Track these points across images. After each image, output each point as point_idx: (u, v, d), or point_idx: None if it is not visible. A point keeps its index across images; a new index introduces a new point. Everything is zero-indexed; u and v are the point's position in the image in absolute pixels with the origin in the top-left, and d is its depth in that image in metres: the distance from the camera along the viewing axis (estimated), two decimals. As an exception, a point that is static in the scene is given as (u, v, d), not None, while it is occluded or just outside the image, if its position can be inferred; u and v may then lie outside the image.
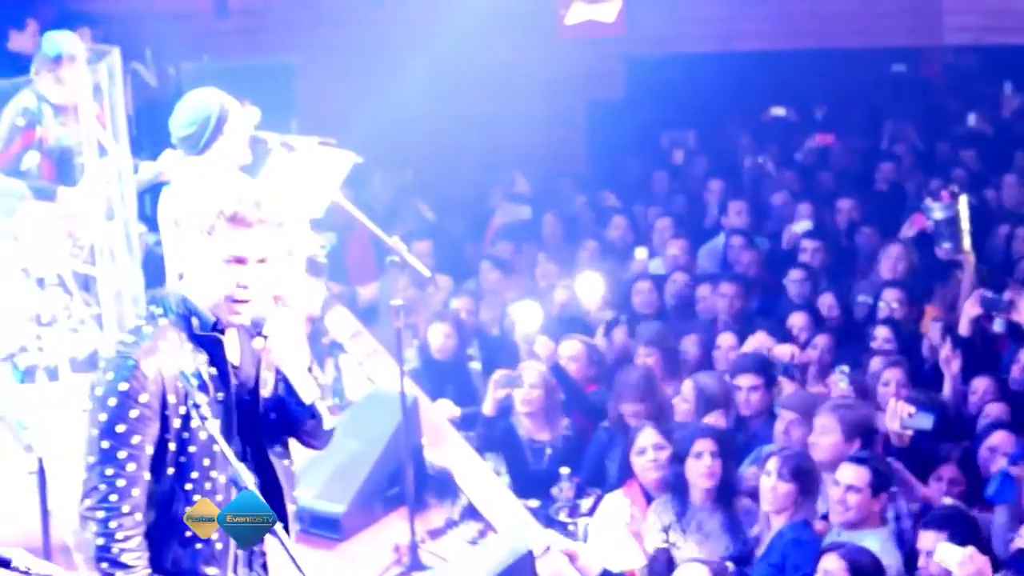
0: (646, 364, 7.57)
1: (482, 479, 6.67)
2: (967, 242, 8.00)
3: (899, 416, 6.13)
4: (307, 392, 3.86)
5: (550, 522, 6.43)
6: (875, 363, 7.23)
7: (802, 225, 9.77)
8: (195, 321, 3.75)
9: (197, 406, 3.58)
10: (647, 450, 6.28)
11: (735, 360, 7.34)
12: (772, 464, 5.69)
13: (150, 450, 3.66)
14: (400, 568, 5.84)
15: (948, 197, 7.99)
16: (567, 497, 6.62)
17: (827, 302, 8.37)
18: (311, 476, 5.72)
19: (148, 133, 8.99)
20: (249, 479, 3.58)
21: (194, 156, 5.82)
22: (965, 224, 7.99)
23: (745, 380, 7.01)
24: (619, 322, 8.18)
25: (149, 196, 7.66)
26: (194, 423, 3.70)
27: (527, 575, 4.83)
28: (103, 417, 3.65)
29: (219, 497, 3.76)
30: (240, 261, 3.70)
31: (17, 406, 5.66)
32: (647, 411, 6.98)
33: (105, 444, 3.64)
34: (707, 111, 13.63)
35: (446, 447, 6.89)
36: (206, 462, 3.76)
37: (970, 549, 4.97)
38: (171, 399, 3.68)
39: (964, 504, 5.92)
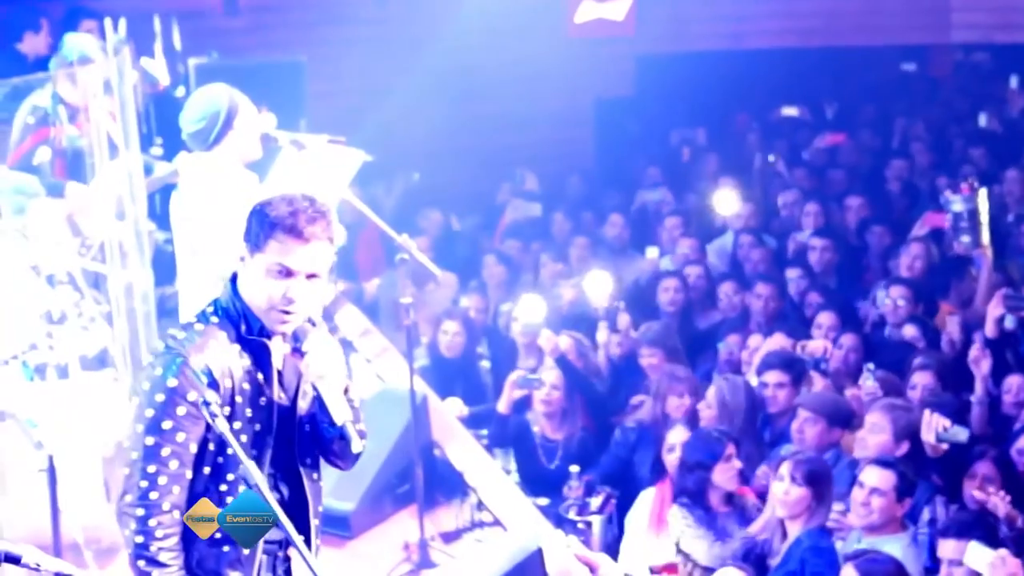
0: (646, 363, 7.57)
1: (492, 477, 6.68)
2: (986, 236, 7.98)
3: (934, 429, 6.04)
4: (339, 413, 3.80)
5: (560, 520, 6.44)
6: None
7: (806, 235, 9.74)
8: (243, 325, 3.74)
9: (207, 403, 3.54)
10: (676, 448, 6.29)
11: (762, 358, 7.32)
12: (785, 469, 5.63)
13: (194, 448, 3.65)
14: (409, 566, 5.85)
15: (968, 190, 7.96)
16: (576, 495, 6.63)
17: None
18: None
19: (158, 130, 9.00)
20: (259, 478, 3.53)
21: (204, 152, 5.83)
22: (984, 217, 7.97)
23: (772, 377, 6.99)
24: (619, 309, 8.14)
25: (159, 195, 7.68)
26: (236, 424, 3.68)
27: (536, 573, 4.82)
28: (149, 413, 3.63)
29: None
30: (289, 275, 3.68)
31: (27, 404, 5.65)
32: (692, 408, 6.99)
33: (150, 440, 3.62)
34: (716, 109, 13.63)
35: (456, 445, 6.89)
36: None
37: (1003, 551, 4.92)
38: (214, 398, 3.63)
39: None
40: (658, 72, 13.27)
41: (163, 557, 3.63)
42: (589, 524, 6.53)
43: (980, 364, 6.90)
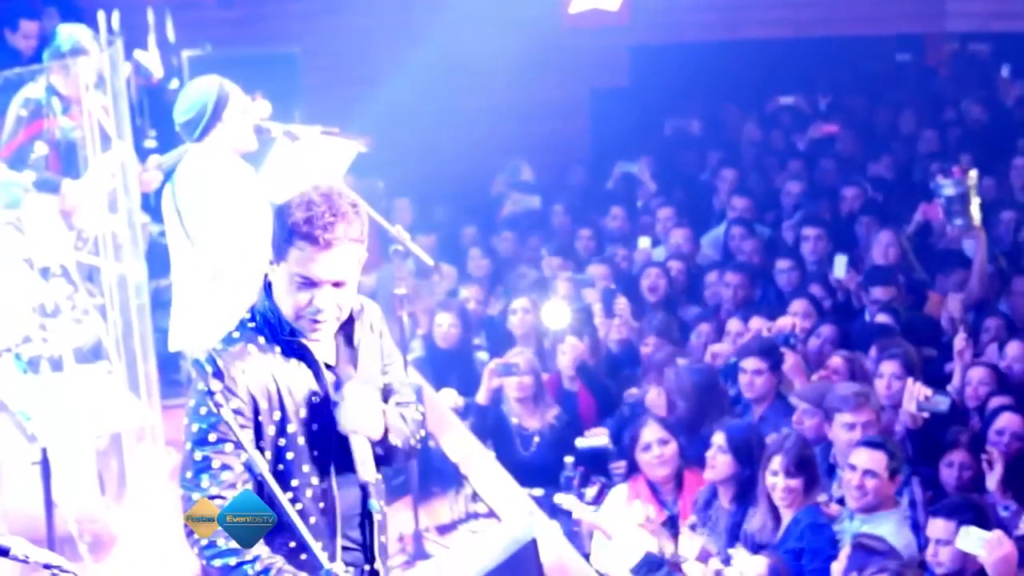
0: (649, 352, 7.60)
1: (486, 467, 6.68)
2: (978, 217, 8.01)
3: (915, 398, 6.12)
4: (364, 470, 3.62)
5: (554, 511, 6.44)
6: (873, 351, 7.21)
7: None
8: (279, 329, 3.60)
9: (211, 393, 3.44)
10: (652, 446, 6.27)
11: (740, 344, 7.36)
12: (777, 463, 5.68)
13: (245, 456, 3.48)
14: (404, 557, 5.86)
15: (959, 173, 7.99)
16: (572, 486, 6.63)
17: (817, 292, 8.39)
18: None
19: (152, 123, 9.00)
20: (263, 466, 3.42)
21: (195, 143, 5.83)
22: (976, 199, 7.99)
23: (750, 364, 7.01)
24: (615, 293, 8.13)
25: (152, 186, 7.67)
26: (290, 428, 3.58)
27: (531, 564, 4.81)
28: (195, 428, 3.51)
29: (321, 504, 3.64)
30: (313, 284, 3.51)
31: (21, 396, 5.65)
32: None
33: (198, 456, 3.49)
34: (710, 99, 13.62)
35: (450, 436, 6.90)
36: (305, 468, 3.62)
37: (997, 532, 4.94)
38: (263, 405, 3.56)
39: (973, 488, 5.92)
40: (652, 62, 13.27)
41: (233, 544, 3.44)
42: (584, 514, 6.52)
43: (963, 355, 6.95)
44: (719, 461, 5.95)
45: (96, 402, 5.72)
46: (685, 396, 6.85)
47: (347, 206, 3.53)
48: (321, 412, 3.64)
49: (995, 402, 6.57)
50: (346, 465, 3.66)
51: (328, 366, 3.68)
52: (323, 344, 3.67)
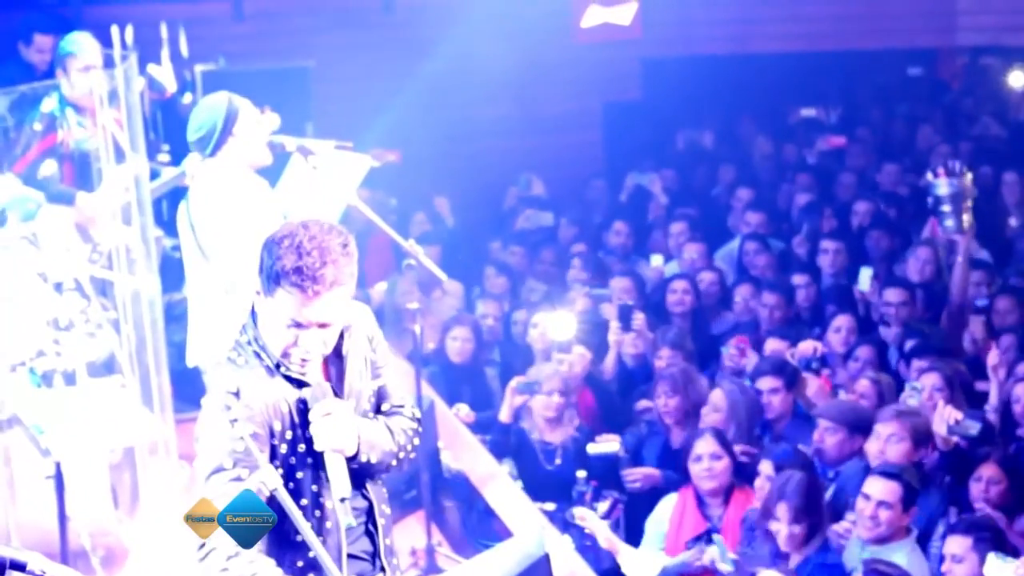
0: (663, 365, 7.59)
1: (498, 482, 6.68)
2: (967, 220, 7.92)
3: (945, 421, 6.05)
4: (337, 488, 3.61)
5: (566, 526, 6.44)
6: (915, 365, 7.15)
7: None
8: (267, 358, 3.62)
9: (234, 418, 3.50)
10: (703, 458, 6.29)
11: (755, 366, 7.34)
12: (782, 511, 5.64)
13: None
14: (417, 571, 5.86)
15: (950, 173, 7.88)
16: (584, 500, 6.63)
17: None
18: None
19: (165, 137, 9.01)
20: (276, 480, 3.41)
21: (208, 159, 5.85)
22: (969, 202, 7.92)
23: (766, 383, 7.03)
24: (632, 308, 8.11)
25: (167, 201, 7.70)
26: (300, 447, 3.60)
27: (543, 579, 4.81)
28: (211, 453, 3.52)
29: (328, 524, 3.67)
30: (300, 326, 3.53)
31: (34, 410, 5.67)
32: (681, 407, 7.04)
33: (216, 481, 3.48)
34: (723, 112, 13.62)
35: (462, 451, 6.90)
36: (314, 487, 3.65)
37: (1023, 560, 4.89)
38: (276, 426, 3.58)
39: (1003, 504, 5.85)
40: (665, 75, 13.27)
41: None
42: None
43: (997, 372, 6.88)
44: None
45: (109, 416, 5.73)
46: (745, 411, 6.87)
47: (338, 249, 3.50)
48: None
49: None
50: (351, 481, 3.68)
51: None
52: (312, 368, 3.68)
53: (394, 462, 3.86)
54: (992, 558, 4.90)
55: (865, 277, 8.49)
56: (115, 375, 6.22)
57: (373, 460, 3.75)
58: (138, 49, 6.95)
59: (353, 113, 10.83)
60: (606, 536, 6.05)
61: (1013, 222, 10.06)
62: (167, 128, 8.94)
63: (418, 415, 4.03)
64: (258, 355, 3.63)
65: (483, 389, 8.11)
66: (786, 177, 11.83)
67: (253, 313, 3.66)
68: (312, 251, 3.46)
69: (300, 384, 3.66)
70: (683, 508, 6.35)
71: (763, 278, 9.05)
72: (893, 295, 8.10)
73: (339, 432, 3.62)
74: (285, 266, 3.45)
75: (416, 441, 3.97)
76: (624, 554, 6.03)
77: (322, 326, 3.55)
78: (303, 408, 3.63)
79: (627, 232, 10.39)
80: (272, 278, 3.49)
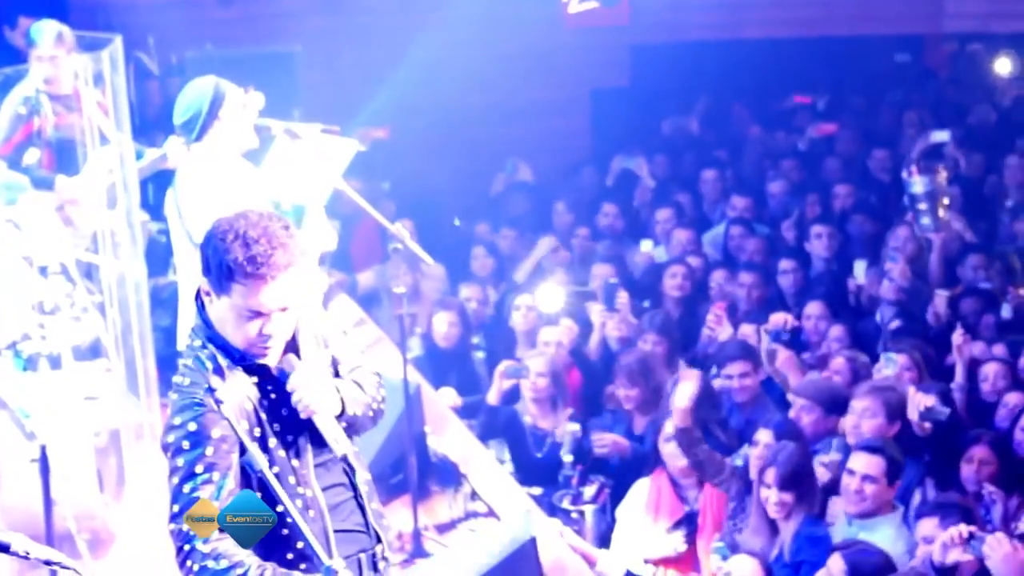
0: (649, 350, 7.58)
1: (485, 466, 6.68)
2: (944, 217, 7.93)
3: (917, 407, 6.09)
4: (338, 445, 3.67)
5: (553, 510, 6.45)
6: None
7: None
8: (225, 357, 3.62)
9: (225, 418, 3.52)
10: (672, 439, 6.29)
11: (721, 351, 7.34)
12: (770, 477, 5.66)
13: (232, 484, 3.49)
14: (403, 556, 5.85)
15: (917, 172, 7.89)
16: (570, 485, 6.63)
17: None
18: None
19: (152, 121, 8.99)
20: (264, 463, 3.46)
21: (194, 143, 5.83)
22: (945, 200, 7.92)
23: (735, 368, 7.04)
24: (616, 287, 8.11)
25: (152, 184, 7.67)
26: (271, 443, 3.62)
27: (529, 562, 4.82)
28: (180, 462, 3.50)
29: (311, 512, 3.67)
30: (260, 315, 3.55)
31: (20, 394, 5.66)
32: (640, 396, 7.03)
33: (187, 488, 3.47)
34: (711, 98, 13.60)
35: (449, 435, 6.90)
36: (291, 479, 3.66)
37: (999, 534, 4.90)
38: (243, 425, 3.58)
39: (997, 486, 5.88)
40: (653, 62, 13.26)
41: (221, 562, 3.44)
42: (582, 513, 6.54)
43: (962, 351, 6.94)
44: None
45: (95, 399, 5.72)
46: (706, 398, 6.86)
47: (282, 232, 3.54)
48: (290, 420, 3.68)
49: (1013, 399, 6.58)
50: (322, 463, 3.73)
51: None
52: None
53: (371, 413, 3.91)
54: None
55: (860, 270, 8.50)
56: (100, 359, 6.21)
57: (358, 413, 3.81)
58: (124, 33, 6.92)
59: (340, 98, 10.80)
60: (580, 547, 6.03)
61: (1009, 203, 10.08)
62: (153, 112, 8.92)
63: (376, 370, 4.06)
64: (214, 357, 3.63)
65: (470, 373, 8.11)
66: (774, 164, 11.84)
67: (203, 318, 3.66)
68: (259, 239, 3.49)
69: (259, 371, 3.67)
70: (658, 493, 6.34)
71: (743, 261, 9.08)
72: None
73: (322, 394, 3.67)
74: (236, 259, 3.47)
75: (383, 392, 4.02)
76: (602, 561, 6.02)
77: (283, 310, 3.58)
78: (268, 392, 3.66)
79: (615, 214, 10.39)
80: (224, 275, 3.51)
